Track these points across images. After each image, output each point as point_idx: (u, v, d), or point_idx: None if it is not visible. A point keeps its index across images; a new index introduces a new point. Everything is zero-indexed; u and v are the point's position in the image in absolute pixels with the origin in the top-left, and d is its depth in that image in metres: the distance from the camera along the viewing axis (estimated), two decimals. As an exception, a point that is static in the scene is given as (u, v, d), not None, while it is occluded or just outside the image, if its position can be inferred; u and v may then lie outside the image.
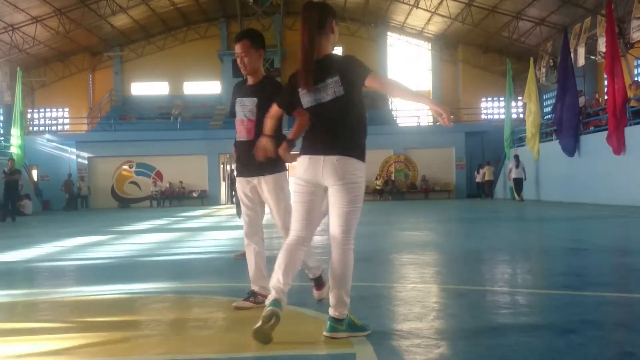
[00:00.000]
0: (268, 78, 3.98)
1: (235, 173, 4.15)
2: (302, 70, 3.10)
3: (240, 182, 3.93)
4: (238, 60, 3.91)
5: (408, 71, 32.86)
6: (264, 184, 3.81)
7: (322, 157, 3.04)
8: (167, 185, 27.18)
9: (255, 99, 3.84)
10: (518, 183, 21.56)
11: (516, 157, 21.83)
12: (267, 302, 3.00)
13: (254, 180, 3.85)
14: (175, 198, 27.04)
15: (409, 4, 27.66)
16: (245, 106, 3.87)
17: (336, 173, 3.02)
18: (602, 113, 18.21)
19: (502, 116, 28.13)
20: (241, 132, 3.89)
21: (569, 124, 18.72)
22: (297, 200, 3.16)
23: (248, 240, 4.01)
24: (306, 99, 3.12)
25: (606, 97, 17.49)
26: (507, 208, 17.43)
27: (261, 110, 3.68)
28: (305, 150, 3.13)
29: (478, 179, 25.18)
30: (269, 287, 3.10)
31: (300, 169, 3.13)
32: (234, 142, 4.03)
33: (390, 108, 30.56)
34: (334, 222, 3.09)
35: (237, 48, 3.87)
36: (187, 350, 2.98)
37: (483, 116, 31.46)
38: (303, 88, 3.11)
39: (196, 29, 32.37)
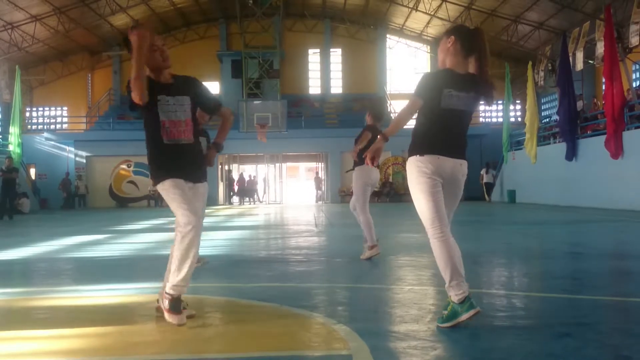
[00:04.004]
0: None
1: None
2: (486, 78, 3.44)
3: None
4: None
5: (407, 74, 32.89)
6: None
7: (460, 160, 3.44)
8: (165, 185, 27.10)
9: None
10: (488, 186, 25.23)
11: (487, 164, 25.29)
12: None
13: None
14: (173, 198, 26.95)
15: (408, 7, 27.68)
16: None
17: (464, 175, 3.50)
18: (600, 117, 18.26)
19: (500, 119, 28.19)
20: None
21: (565, 128, 18.81)
22: (436, 196, 3.37)
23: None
24: (454, 102, 3.39)
25: (603, 102, 17.54)
26: (503, 211, 17.46)
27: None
28: (440, 150, 3.38)
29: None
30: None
31: (434, 166, 3.36)
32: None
33: (388, 110, 30.59)
34: (449, 214, 3.51)
35: None
36: (184, 350, 2.98)
37: (481, 119, 31.50)
38: (466, 91, 3.41)
39: (196, 29, 32.36)
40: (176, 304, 3.45)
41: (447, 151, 3.39)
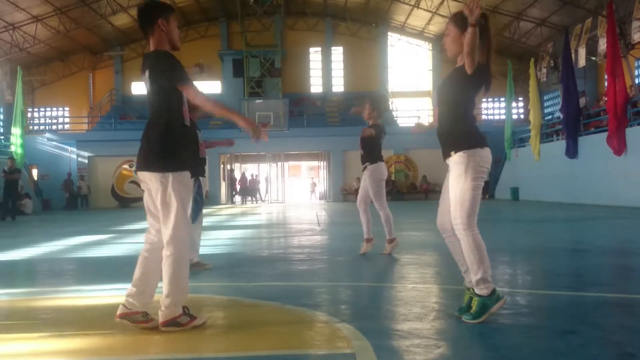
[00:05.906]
0: None
1: None
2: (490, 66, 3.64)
3: None
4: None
5: (409, 71, 32.85)
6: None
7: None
8: (167, 185, 27.15)
9: None
10: (486, 184, 25.00)
11: None
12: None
13: None
14: (175, 198, 27.01)
15: (410, 4, 27.64)
16: None
17: None
18: (602, 114, 18.22)
19: (503, 117, 28.13)
20: None
21: (567, 126, 18.78)
22: (480, 190, 3.38)
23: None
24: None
25: (605, 98, 17.49)
26: (506, 209, 17.43)
27: None
28: (486, 142, 3.42)
29: None
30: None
31: (490, 159, 3.41)
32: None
33: (390, 108, 30.55)
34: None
35: None
36: (186, 349, 2.97)
37: (483, 117, 31.44)
38: (489, 86, 3.63)
39: (197, 28, 32.34)
40: (187, 312, 3.30)
41: (486, 142, 3.46)
